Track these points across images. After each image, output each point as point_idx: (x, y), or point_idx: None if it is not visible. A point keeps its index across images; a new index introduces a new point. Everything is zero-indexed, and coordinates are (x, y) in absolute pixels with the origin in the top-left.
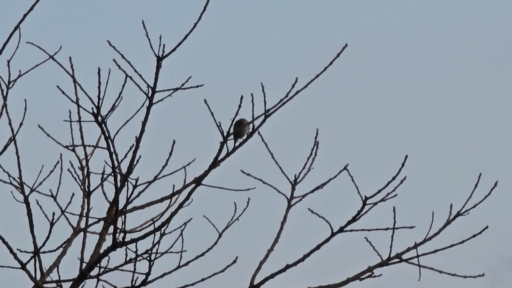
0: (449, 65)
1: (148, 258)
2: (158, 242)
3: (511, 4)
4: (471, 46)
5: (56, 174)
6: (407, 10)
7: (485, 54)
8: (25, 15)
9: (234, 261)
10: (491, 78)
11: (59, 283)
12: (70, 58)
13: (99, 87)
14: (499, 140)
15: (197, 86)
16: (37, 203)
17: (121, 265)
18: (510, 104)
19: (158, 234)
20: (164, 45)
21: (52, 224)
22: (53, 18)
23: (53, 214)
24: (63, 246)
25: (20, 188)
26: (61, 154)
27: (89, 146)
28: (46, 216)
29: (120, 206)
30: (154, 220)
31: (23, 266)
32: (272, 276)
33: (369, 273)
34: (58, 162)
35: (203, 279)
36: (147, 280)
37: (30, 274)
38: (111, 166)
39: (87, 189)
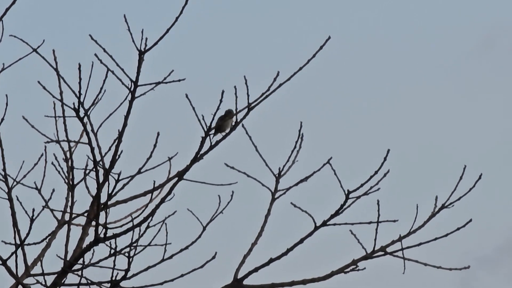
0: (430, 59)
1: (127, 255)
2: (138, 238)
3: (480, 4)
4: (451, 40)
5: (41, 167)
6: (392, 8)
7: (465, 46)
8: (7, 9)
9: (213, 257)
10: (473, 71)
11: (42, 277)
12: (53, 51)
13: (79, 83)
14: (483, 132)
15: (179, 80)
16: (17, 199)
17: (103, 260)
18: (493, 97)
19: (138, 230)
20: (146, 39)
21: (32, 220)
22: (36, 12)
23: (33, 210)
24: (47, 238)
25: (4, 181)
26: (45, 147)
27: (72, 141)
28: (26, 212)
29: (103, 200)
30: (133, 217)
31: (4, 262)
32: (256, 269)
33: (353, 266)
34: (42, 155)
35: (182, 275)
36: (128, 275)
37: (11, 270)
38: (93, 161)
39: (71, 182)
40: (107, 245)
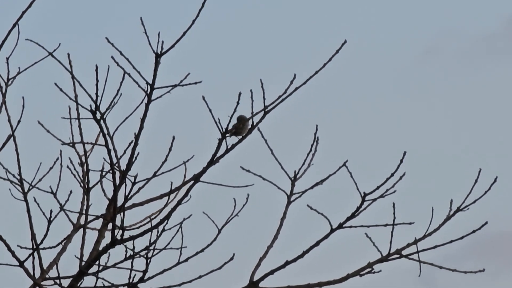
0: (438, 61)
1: (145, 256)
2: (156, 240)
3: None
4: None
5: (56, 170)
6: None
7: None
8: (23, 12)
9: (232, 258)
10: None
11: (58, 280)
12: (68, 54)
13: (97, 85)
14: (499, 135)
15: (196, 83)
16: (35, 200)
17: (120, 262)
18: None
19: (155, 231)
20: (162, 42)
21: (49, 222)
22: (51, 15)
23: (51, 211)
24: (63, 242)
25: (20, 185)
26: (60, 151)
27: (88, 143)
28: (44, 214)
29: (119, 203)
30: (151, 218)
31: (21, 264)
32: (272, 272)
33: (369, 269)
34: (57, 159)
35: (200, 276)
36: (145, 277)
37: (28, 271)
38: (109, 163)
39: (86, 185)
40: (125, 245)
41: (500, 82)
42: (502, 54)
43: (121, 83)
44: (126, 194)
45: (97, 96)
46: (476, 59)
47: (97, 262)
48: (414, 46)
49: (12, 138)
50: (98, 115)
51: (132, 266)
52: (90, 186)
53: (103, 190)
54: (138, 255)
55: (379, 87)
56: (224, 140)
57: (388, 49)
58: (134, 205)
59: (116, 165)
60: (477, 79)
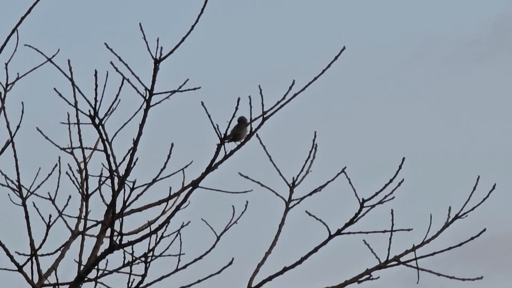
0: (423, 66)
1: (144, 261)
2: (155, 245)
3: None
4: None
5: (54, 177)
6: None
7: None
8: (22, 18)
9: (230, 263)
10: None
11: (57, 286)
12: (68, 60)
13: (96, 90)
14: (498, 142)
15: (195, 89)
16: (34, 205)
17: (119, 268)
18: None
19: (154, 236)
20: (161, 48)
21: (48, 227)
22: (50, 21)
23: (50, 216)
24: (61, 249)
25: (18, 191)
26: (59, 157)
27: (87, 148)
28: (43, 218)
29: (118, 209)
30: (151, 223)
31: (20, 269)
32: (270, 278)
33: (367, 276)
34: (56, 165)
35: (199, 281)
36: (143, 282)
37: (27, 276)
38: (108, 168)
39: (85, 192)
40: (125, 250)
41: (484, 86)
42: (486, 58)
43: (120, 88)
44: (125, 200)
45: (96, 101)
46: (461, 63)
47: (95, 267)
48: (399, 51)
49: (11, 144)
50: (97, 121)
51: (131, 271)
52: (89, 192)
53: (101, 196)
54: (137, 261)
55: (369, 91)
56: (223, 146)
57: (374, 54)
58: (132, 211)
59: (115, 171)
60: (462, 83)
